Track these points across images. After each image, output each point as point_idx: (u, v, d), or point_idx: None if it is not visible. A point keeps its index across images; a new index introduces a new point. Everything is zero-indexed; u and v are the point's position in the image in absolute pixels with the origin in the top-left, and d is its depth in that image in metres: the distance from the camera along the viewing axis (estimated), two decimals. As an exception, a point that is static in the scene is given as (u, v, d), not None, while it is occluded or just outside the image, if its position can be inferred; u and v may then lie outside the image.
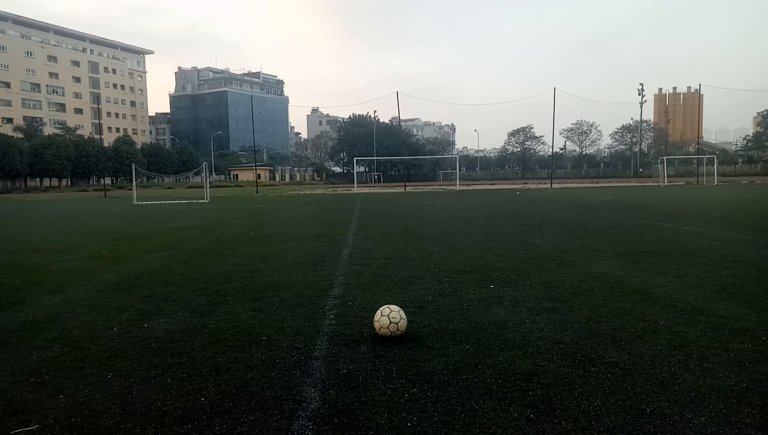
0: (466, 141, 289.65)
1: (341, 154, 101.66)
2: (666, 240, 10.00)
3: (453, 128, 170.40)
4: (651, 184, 52.24)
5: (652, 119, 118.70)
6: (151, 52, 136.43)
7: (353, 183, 58.45)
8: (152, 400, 3.26)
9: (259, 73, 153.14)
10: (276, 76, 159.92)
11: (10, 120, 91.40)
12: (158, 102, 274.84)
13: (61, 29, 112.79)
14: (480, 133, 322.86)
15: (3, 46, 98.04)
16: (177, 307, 5.51)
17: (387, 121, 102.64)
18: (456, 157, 77.34)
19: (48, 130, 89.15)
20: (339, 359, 3.90)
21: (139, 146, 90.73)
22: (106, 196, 45.88)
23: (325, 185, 77.84)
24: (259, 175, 68.23)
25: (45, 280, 7.16)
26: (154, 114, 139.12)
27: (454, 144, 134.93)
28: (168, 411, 3.12)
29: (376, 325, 4.31)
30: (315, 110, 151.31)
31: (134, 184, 40.50)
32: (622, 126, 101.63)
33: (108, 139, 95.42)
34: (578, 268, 7.30)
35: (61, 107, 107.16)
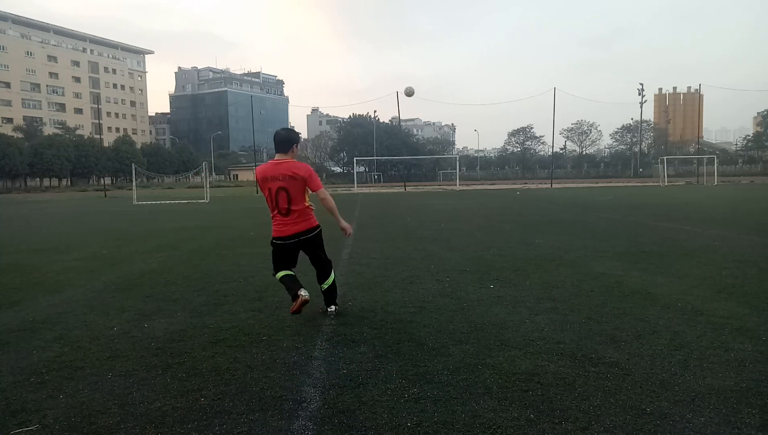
0: (466, 141, 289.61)
1: (341, 154, 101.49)
2: (666, 240, 10.00)
3: (453, 128, 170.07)
4: (651, 184, 52.24)
5: (652, 119, 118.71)
6: (151, 52, 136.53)
7: (353, 183, 58.44)
8: (152, 400, 3.26)
9: (259, 73, 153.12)
10: (276, 76, 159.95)
11: (10, 120, 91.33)
12: (158, 102, 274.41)
13: (61, 29, 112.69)
14: (480, 134, 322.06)
15: (3, 46, 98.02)
16: (177, 307, 5.51)
17: (387, 121, 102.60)
18: (456, 157, 77.17)
19: (48, 130, 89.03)
20: (339, 359, 3.90)
21: (139, 146, 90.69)
22: (106, 196, 45.88)
23: (325, 185, 77.67)
24: (259, 175, 67.91)
25: (45, 280, 7.16)
26: (154, 114, 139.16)
27: (454, 144, 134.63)
28: (168, 411, 3.11)
29: None
30: (315, 110, 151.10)
31: (134, 184, 40.48)
32: (622, 126, 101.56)
33: (108, 139, 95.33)
34: (578, 268, 7.30)
35: (61, 107, 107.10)
